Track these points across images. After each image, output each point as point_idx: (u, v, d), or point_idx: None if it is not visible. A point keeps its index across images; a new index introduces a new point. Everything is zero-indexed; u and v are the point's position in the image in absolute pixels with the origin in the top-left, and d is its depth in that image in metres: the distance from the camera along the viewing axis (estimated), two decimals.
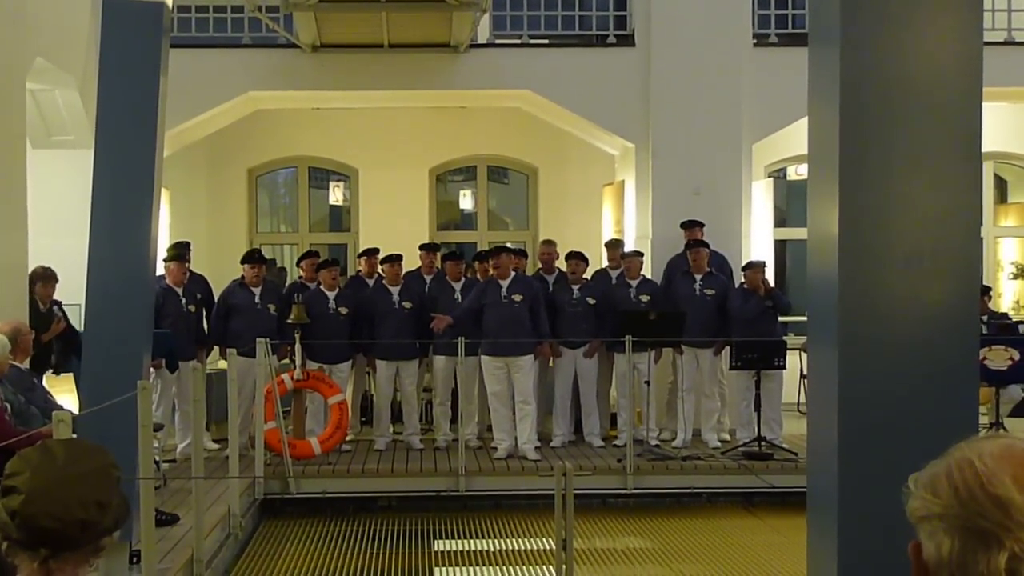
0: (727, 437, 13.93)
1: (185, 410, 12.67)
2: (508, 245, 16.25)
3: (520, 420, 13.10)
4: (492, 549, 11.37)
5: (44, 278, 11.91)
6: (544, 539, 11.24)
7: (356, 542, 11.43)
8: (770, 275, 14.00)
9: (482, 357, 13.15)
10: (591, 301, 13.69)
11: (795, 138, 15.22)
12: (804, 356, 14.04)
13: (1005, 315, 15.79)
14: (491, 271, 13.46)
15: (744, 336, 13.24)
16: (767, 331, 13.39)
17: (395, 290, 13.63)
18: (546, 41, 16.42)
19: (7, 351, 8.69)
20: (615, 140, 16.13)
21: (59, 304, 12.04)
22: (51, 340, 11.79)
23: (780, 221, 17.42)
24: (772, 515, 12.16)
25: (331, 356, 13.34)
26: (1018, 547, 1.58)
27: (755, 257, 14.48)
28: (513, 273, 13.31)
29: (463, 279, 13.97)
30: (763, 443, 13.02)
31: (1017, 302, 18.83)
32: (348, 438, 13.55)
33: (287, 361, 13.39)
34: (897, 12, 5.27)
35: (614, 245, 14.91)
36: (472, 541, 11.60)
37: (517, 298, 13.07)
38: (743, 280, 13.67)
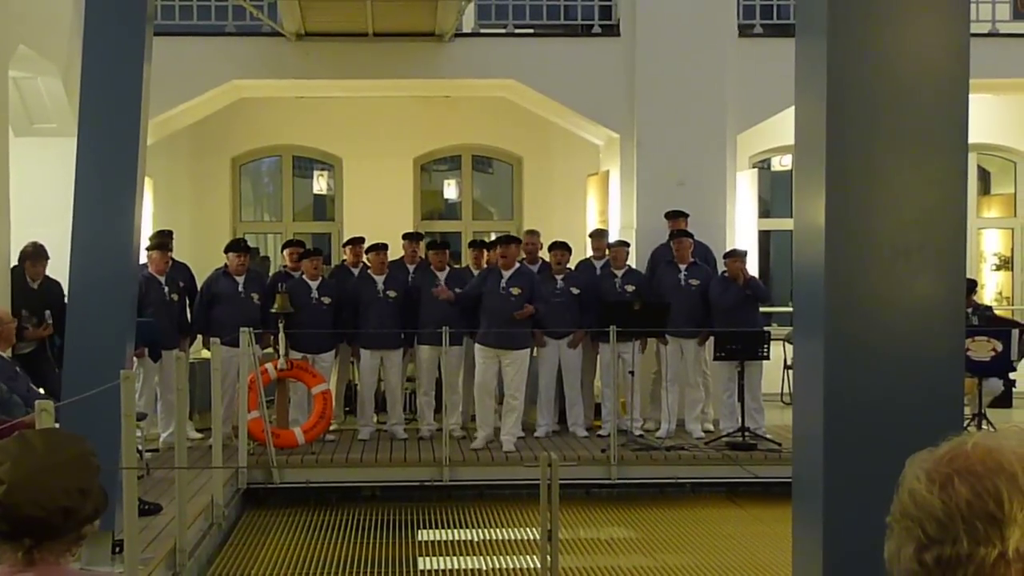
0: (711, 427, 13.95)
1: (168, 399, 12.65)
2: (492, 236, 16.22)
3: (505, 413, 13.08)
4: (476, 539, 11.38)
5: (34, 256, 11.82)
6: (528, 529, 11.25)
7: (339, 532, 11.43)
8: (754, 265, 14.02)
9: (476, 345, 13.14)
10: (575, 291, 13.69)
11: (779, 129, 15.26)
12: (788, 346, 14.07)
13: (989, 307, 15.83)
14: (498, 260, 13.35)
15: (724, 325, 13.26)
16: (747, 320, 13.40)
17: (380, 279, 13.61)
18: (531, 31, 16.39)
19: None
20: (600, 130, 16.11)
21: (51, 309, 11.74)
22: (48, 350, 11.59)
23: (764, 212, 17.44)
24: (755, 505, 12.20)
25: (314, 346, 13.31)
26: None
27: (739, 247, 14.49)
28: (517, 265, 13.27)
29: (447, 268, 13.95)
30: (747, 433, 13.04)
31: (1000, 293, 18.90)
32: (332, 428, 13.54)
33: (271, 350, 13.36)
34: (884, 3, 5.26)
35: (599, 235, 14.90)
36: (456, 531, 11.62)
37: (515, 291, 13.02)
38: (724, 269, 13.68)
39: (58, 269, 11.05)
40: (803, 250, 5.64)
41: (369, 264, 13.85)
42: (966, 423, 11.74)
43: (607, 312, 13.11)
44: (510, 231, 18.44)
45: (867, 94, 5.24)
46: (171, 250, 13.51)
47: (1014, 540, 1.52)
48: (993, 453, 1.58)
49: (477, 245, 14.87)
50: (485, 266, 14.14)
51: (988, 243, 19.09)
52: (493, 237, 15.73)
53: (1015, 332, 13.60)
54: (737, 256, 13.58)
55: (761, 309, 14.01)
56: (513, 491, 12.17)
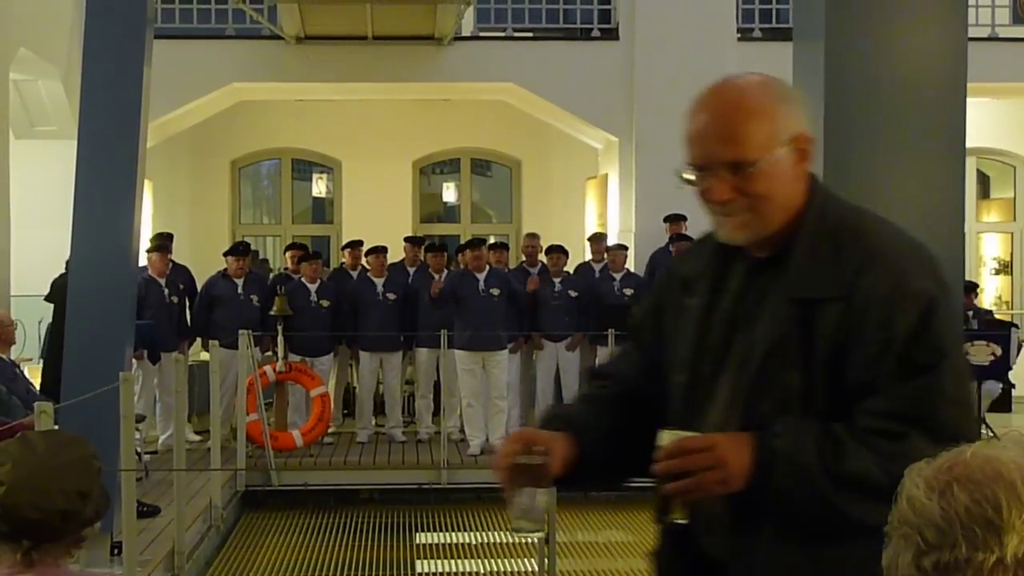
0: None
1: (167, 402, 12.63)
2: (491, 239, 16.21)
3: (493, 415, 13.02)
4: (474, 542, 11.38)
5: None
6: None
7: (338, 534, 11.43)
8: None
9: (456, 352, 13.01)
10: (573, 294, 13.69)
11: None
12: None
13: (989, 311, 15.83)
14: (468, 263, 13.35)
15: None
16: None
17: (379, 282, 13.61)
18: (530, 34, 16.40)
19: None
20: (598, 133, 16.12)
21: None
22: None
23: None
24: None
25: (313, 349, 13.30)
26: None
27: None
28: (488, 267, 13.26)
29: (445, 271, 13.94)
30: None
31: (999, 297, 18.90)
32: (330, 430, 13.54)
33: (270, 353, 13.36)
34: (882, 7, 5.27)
35: (597, 239, 14.90)
36: (454, 534, 11.62)
37: (495, 292, 13.02)
38: None
39: (57, 272, 11.05)
40: None
41: (368, 267, 13.85)
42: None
43: (605, 315, 13.11)
44: (509, 234, 18.49)
45: (864, 99, 5.25)
46: (171, 252, 13.49)
47: (1012, 546, 1.53)
48: (992, 462, 1.59)
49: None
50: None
51: (988, 247, 19.10)
52: (492, 240, 15.72)
53: (1014, 332, 13.60)
54: None
55: None
56: None
